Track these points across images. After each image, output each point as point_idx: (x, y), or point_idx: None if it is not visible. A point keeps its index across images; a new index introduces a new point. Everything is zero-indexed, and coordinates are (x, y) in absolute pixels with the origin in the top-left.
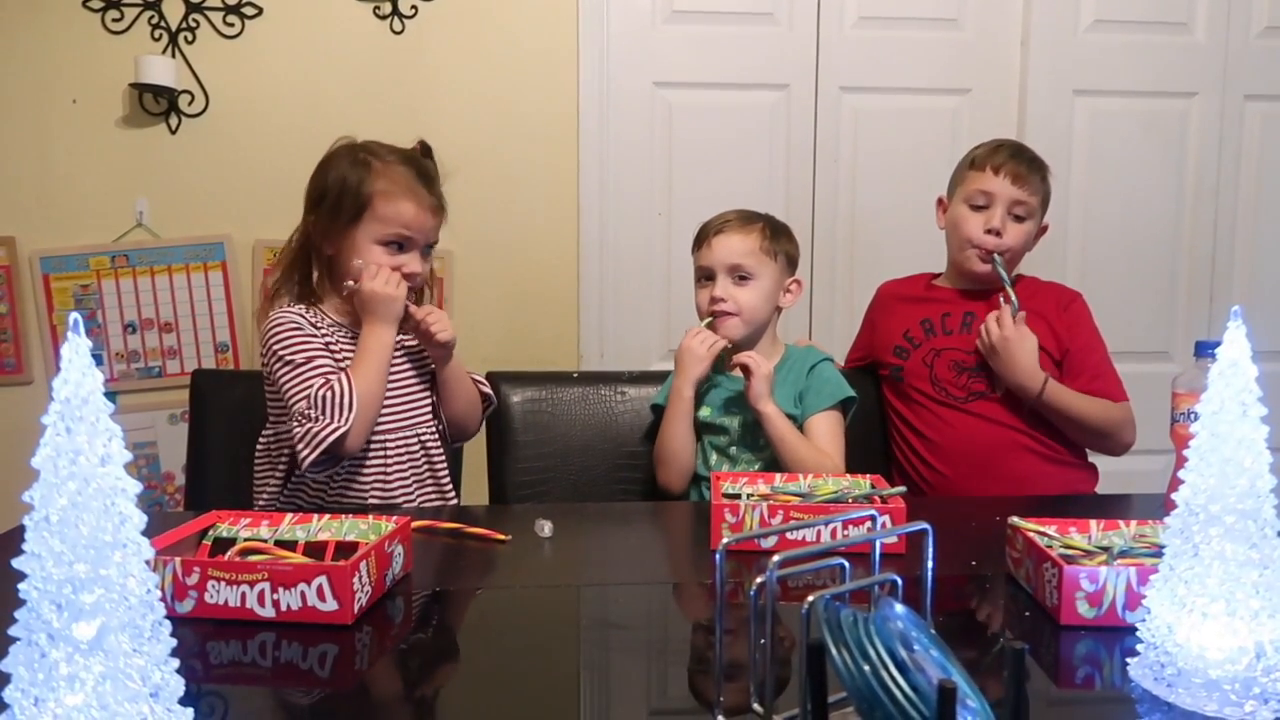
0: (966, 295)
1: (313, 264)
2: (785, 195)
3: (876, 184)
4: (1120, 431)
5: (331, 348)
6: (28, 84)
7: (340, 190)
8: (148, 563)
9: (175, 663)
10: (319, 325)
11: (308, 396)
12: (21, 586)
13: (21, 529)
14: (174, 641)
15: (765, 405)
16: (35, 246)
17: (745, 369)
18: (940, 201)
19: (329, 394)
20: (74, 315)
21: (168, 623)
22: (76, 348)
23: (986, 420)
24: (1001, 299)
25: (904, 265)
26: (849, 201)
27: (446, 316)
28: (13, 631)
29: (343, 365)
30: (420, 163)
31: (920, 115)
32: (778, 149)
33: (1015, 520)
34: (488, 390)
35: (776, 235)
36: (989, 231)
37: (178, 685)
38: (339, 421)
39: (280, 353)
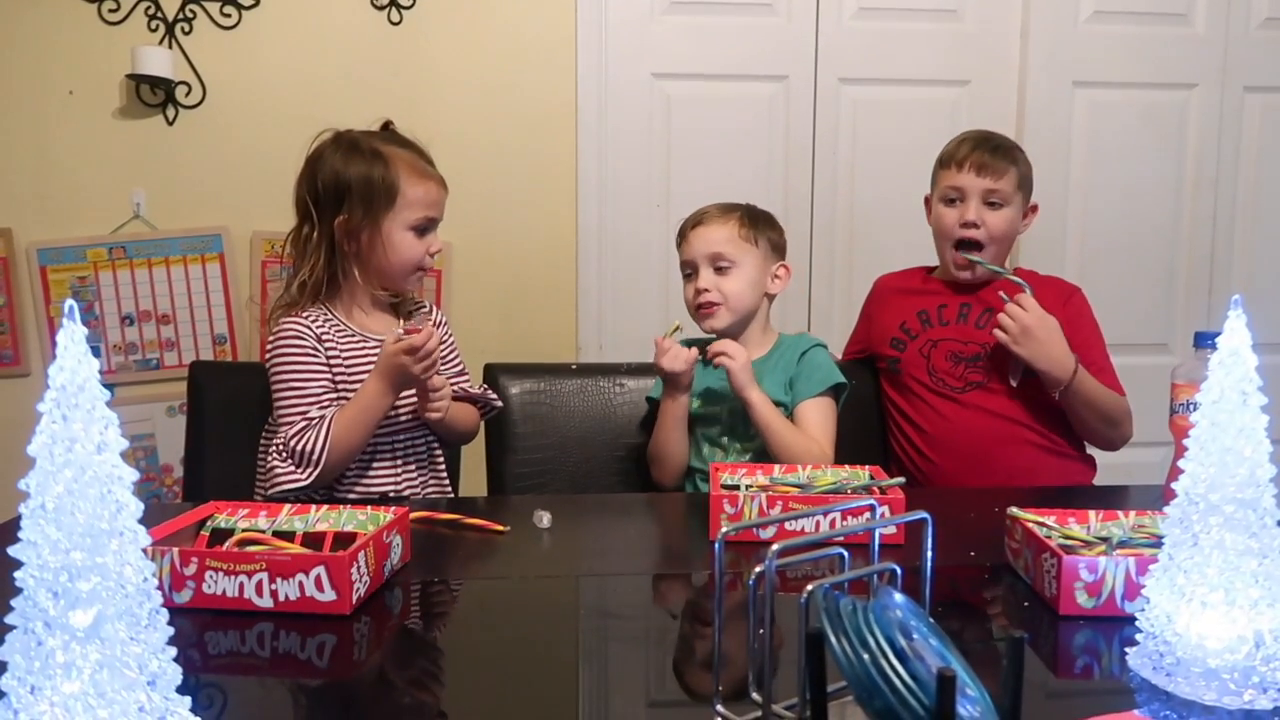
0: (960, 288)
1: (335, 260)
2: (784, 187)
3: (875, 176)
4: (1125, 423)
5: (335, 360)
6: (24, 75)
7: (366, 184)
8: (145, 551)
9: (172, 651)
10: (326, 336)
11: (286, 431)
12: (18, 574)
13: (18, 517)
14: (171, 630)
15: (750, 393)
16: (32, 238)
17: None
18: (926, 200)
19: (300, 445)
20: (69, 302)
21: (165, 611)
22: (72, 334)
23: (984, 411)
24: (1003, 293)
25: (903, 257)
26: (848, 193)
27: (449, 397)
28: (9, 620)
29: (342, 379)
30: (413, 143)
31: (919, 107)
32: (776, 140)
33: (1014, 511)
34: (498, 404)
35: (755, 222)
36: (965, 225)
37: (175, 674)
38: (299, 475)
39: (279, 369)
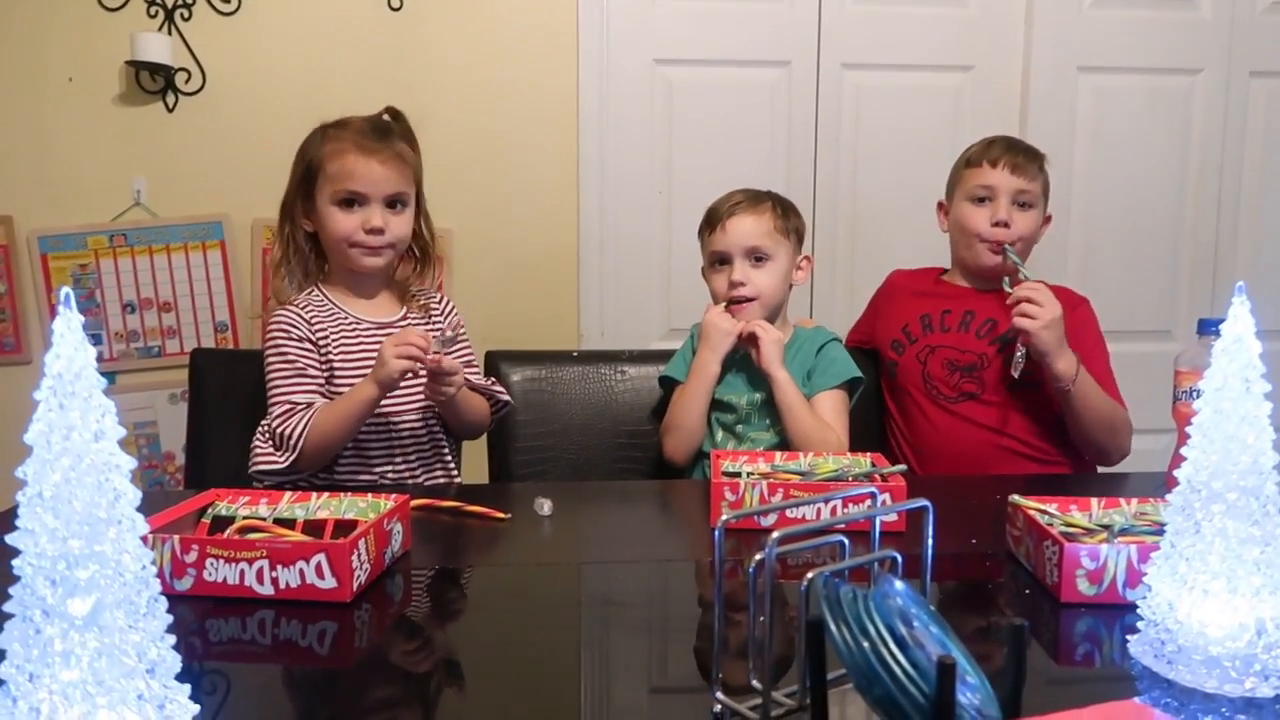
0: (970, 293)
1: (306, 247)
2: (786, 173)
3: (879, 162)
4: (1124, 434)
5: (326, 343)
6: (24, 62)
7: (297, 163)
8: (143, 539)
9: (171, 639)
10: (315, 321)
11: (270, 416)
12: (15, 563)
13: (16, 506)
14: (170, 618)
15: (778, 370)
16: (33, 226)
17: (754, 336)
18: (940, 206)
19: (283, 429)
20: (65, 290)
21: (163, 599)
22: (69, 322)
23: (973, 424)
24: (1006, 283)
25: (906, 245)
26: (850, 180)
27: (461, 378)
28: (7, 608)
29: (333, 361)
30: (375, 120)
31: (923, 92)
32: (779, 126)
33: (1016, 498)
34: (505, 398)
35: (787, 213)
36: (997, 224)
37: (174, 661)
38: (276, 457)
39: (271, 359)
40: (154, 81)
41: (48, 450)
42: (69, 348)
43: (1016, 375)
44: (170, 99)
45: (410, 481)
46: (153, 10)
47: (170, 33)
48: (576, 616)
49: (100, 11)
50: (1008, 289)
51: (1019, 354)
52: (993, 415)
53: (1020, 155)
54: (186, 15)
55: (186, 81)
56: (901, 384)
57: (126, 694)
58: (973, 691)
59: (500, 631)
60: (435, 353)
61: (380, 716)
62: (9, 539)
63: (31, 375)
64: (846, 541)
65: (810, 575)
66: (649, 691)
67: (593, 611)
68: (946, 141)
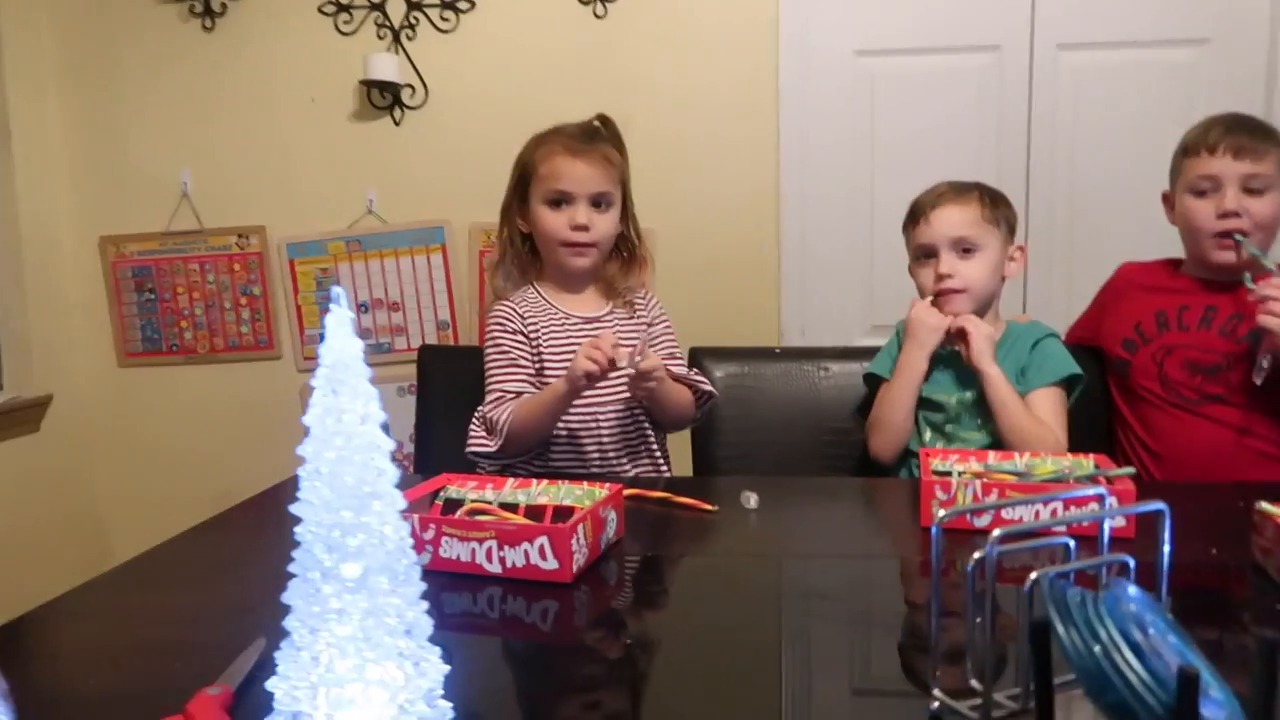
0: (1209, 287)
1: (522, 246)
2: (997, 164)
3: (1099, 151)
4: None
5: (537, 337)
6: (272, 86)
7: (514, 169)
8: (400, 513)
9: (425, 604)
10: (528, 316)
11: (485, 403)
12: (297, 529)
13: (296, 479)
14: (424, 585)
15: (988, 366)
16: (282, 234)
17: (962, 331)
18: (1165, 197)
19: (493, 415)
20: (336, 289)
21: (418, 567)
22: (340, 318)
23: (1223, 425)
24: (1248, 278)
25: (1129, 241)
26: (1067, 170)
27: (662, 373)
28: (290, 569)
29: (544, 355)
30: (585, 125)
31: (1150, 72)
32: (988, 116)
33: (1265, 505)
34: (708, 389)
35: (995, 202)
36: (1223, 215)
37: (428, 624)
38: (487, 441)
39: (488, 350)
40: (383, 98)
41: (323, 430)
42: (341, 340)
43: (1259, 382)
44: (397, 114)
45: (620, 472)
46: (381, 32)
47: (397, 52)
48: (779, 608)
49: (336, 35)
50: (1249, 284)
51: (1263, 359)
52: (1240, 418)
53: (1244, 135)
54: (411, 35)
55: (411, 96)
56: (1134, 385)
57: (390, 650)
58: (1218, 707)
59: (706, 619)
60: (625, 365)
61: (592, 694)
62: (292, 509)
63: (281, 369)
64: (1073, 543)
65: (1035, 575)
66: (853, 687)
67: (796, 604)
68: (1178, 128)
